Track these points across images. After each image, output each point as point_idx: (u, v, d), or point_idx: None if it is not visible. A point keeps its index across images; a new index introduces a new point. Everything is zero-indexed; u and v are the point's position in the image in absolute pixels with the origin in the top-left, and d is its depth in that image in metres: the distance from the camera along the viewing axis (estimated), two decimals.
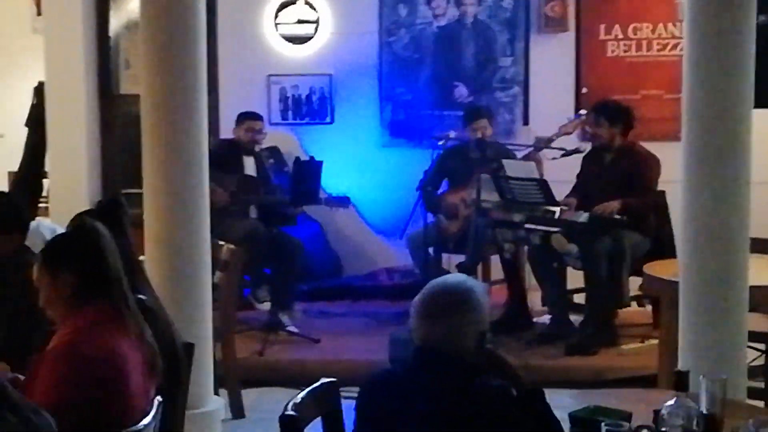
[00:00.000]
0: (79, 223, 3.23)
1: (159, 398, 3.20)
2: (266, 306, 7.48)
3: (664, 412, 2.81)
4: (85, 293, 3.09)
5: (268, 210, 7.51)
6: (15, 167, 8.44)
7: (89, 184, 8.37)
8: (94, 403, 2.94)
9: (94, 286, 3.09)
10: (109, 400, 2.98)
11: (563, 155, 6.99)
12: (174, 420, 3.42)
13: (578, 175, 7.09)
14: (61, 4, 8.21)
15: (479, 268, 7.42)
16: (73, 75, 8.27)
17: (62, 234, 3.38)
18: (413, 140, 8.43)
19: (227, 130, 7.96)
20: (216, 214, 5.94)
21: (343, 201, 7.43)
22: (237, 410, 5.76)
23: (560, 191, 6.80)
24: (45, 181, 8.50)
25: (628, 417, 3.08)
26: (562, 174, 7.06)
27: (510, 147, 7.52)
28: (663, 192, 6.91)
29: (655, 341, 6.05)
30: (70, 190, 8.11)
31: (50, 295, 3.13)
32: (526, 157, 7.16)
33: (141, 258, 5.18)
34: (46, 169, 8.43)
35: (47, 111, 8.24)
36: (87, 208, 3.46)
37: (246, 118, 7.64)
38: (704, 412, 2.90)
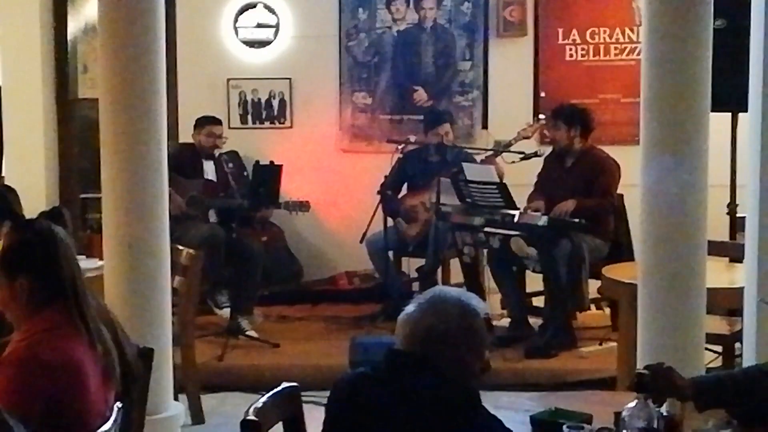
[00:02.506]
0: (36, 226, 3.21)
1: (118, 404, 3.18)
2: (225, 311, 7.45)
3: (625, 414, 2.82)
4: (42, 298, 3.07)
5: (228, 214, 7.48)
6: None
7: (47, 189, 8.31)
8: (53, 409, 2.91)
9: (51, 291, 3.07)
10: (68, 406, 2.96)
11: (522, 159, 7.03)
12: (133, 426, 3.40)
13: (539, 174, 7.13)
14: (17, 8, 8.14)
15: (439, 271, 7.44)
16: (30, 79, 8.21)
17: (19, 238, 3.34)
18: (373, 144, 8.43)
19: (186, 134, 7.93)
20: (176, 219, 5.91)
21: (302, 205, 7.41)
22: (197, 416, 5.73)
23: (519, 195, 6.83)
24: None
25: (588, 419, 3.09)
26: (520, 178, 7.09)
27: (469, 151, 7.55)
28: (621, 195, 6.96)
29: (614, 344, 6.09)
30: (27, 194, 7.98)
31: (6, 299, 3.10)
32: (483, 162, 7.20)
33: (99, 263, 5.19)
34: (3, 173, 8.36)
35: (4, 115, 8.18)
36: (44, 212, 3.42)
37: (207, 123, 7.61)
38: (664, 413, 2.92)
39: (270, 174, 7.20)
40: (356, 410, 2.84)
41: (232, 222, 7.39)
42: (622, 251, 6.83)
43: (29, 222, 3.39)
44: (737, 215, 6.67)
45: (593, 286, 6.58)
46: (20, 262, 3.10)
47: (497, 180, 6.74)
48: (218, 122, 7.69)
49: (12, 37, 8.16)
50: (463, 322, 2.84)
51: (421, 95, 8.57)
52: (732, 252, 5.94)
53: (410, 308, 2.89)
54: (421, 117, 8.02)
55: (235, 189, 7.62)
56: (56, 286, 3.07)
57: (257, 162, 7.49)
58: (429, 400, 2.74)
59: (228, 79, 8.65)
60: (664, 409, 2.94)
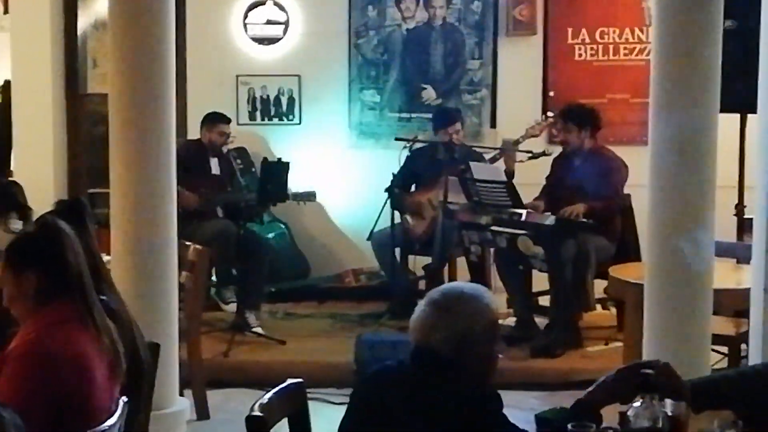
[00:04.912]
0: (42, 221, 3.21)
1: (124, 398, 3.19)
2: (232, 307, 7.46)
3: (630, 413, 2.83)
4: (49, 292, 3.07)
5: (235, 210, 7.48)
6: None
7: (55, 184, 8.32)
8: (59, 402, 2.93)
9: (58, 285, 3.08)
10: (74, 399, 2.97)
11: (530, 158, 7.02)
12: (139, 420, 3.40)
13: (547, 178, 7.12)
14: (28, 2, 8.16)
15: (445, 269, 7.43)
16: (40, 74, 8.22)
17: (26, 232, 3.35)
18: (381, 142, 8.44)
19: (195, 130, 7.93)
20: (184, 215, 5.91)
21: (309, 195, 7.42)
22: (202, 411, 5.74)
23: (527, 194, 6.82)
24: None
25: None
26: (529, 177, 7.08)
27: (477, 149, 7.54)
28: (628, 195, 6.95)
29: (620, 343, 6.09)
30: (36, 189, 8.00)
31: (13, 293, 3.11)
32: (493, 159, 7.21)
33: (107, 258, 5.19)
34: (12, 168, 8.38)
35: (13, 110, 8.19)
36: (52, 207, 3.42)
37: (219, 121, 7.60)
38: (669, 413, 2.91)
39: (278, 171, 7.20)
40: (380, 404, 2.85)
41: (239, 218, 7.40)
42: (629, 251, 6.82)
43: (40, 218, 3.40)
44: (745, 216, 6.66)
45: (600, 286, 6.57)
46: (27, 256, 3.11)
47: (504, 179, 6.73)
48: (229, 121, 7.69)
49: (22, 32, 8.18)
50: (489, 318, 2.87)
51: (429, 93, 8.57)
52: (739, 253, 5.93)
53: (425, 308, 2.89)
54: (430, 115, 8.01)
55: (242, 185, 7.62)
56: (63, 281, 3.08)
57: (265, 159, 7.50)
58: (454, 402, 2.75)
59: (237, 76, 8.65)
60: (668, 409, 2.94)
